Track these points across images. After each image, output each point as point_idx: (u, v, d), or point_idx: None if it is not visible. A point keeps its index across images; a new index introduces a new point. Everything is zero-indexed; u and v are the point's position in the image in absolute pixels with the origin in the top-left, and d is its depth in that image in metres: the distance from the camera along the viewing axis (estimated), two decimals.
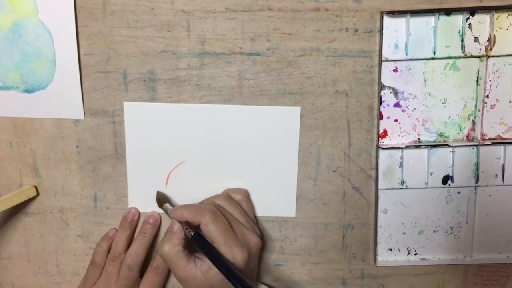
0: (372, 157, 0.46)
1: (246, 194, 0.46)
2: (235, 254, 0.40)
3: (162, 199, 0.46)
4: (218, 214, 0.41)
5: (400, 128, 0.45)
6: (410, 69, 0.44)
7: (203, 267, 0.40)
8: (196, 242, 0.40)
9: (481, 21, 0.43)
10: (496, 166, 0.46)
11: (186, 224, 0.42)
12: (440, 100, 0.45)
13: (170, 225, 0.42)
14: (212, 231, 0.40)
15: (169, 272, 0.49)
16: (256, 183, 0.47)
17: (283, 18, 0.44)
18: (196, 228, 0.42)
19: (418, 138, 0.46)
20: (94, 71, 0.45)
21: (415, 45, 0.43)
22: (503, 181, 0.46)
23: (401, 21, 0.43)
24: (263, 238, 0.48)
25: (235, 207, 0.44)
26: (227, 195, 0.45)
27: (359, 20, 0.43)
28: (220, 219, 0.41)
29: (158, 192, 0.47)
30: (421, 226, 0.47)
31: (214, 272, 0.39)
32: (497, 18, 0.43)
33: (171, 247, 0.41)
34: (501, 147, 0.45)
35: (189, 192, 0.47)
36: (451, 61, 0.44)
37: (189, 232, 0.41)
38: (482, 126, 0.45)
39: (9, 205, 0.46)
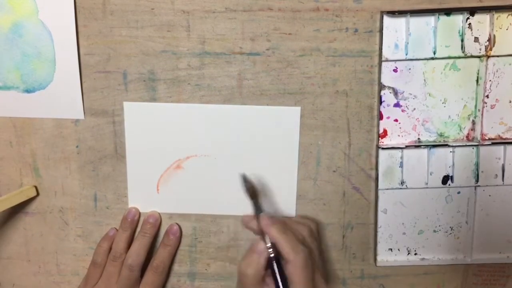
0: (372, 157, 0.46)
1: (316, 227, 0.44)
2: None
3: (253, 191, 0.43)
4: (309, 260, 0.38)
5: (400, 128, 0.45)
6: (410, 69, 0.44)
7: None
8: (272, 270, 0.39)
9: (481, 21, 0.43)
10: (496, 166, 0.46)
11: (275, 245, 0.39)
12: (440, 100, 0.45)
13: (257, 245, 0.39)
14: (297, 276, 0.37)
15: (169, 272, 0.49)
16: (256, 183, 0.47)
17: (283, 18, 0.44)
18: (276, 251, 0.39)
19: (418, 138, 0.46)
20: (94, 71, 0.45)
21: (415, 45, 0.43)
22: (503, 181, 0.46)
23: (401, 21, 0.43)
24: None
25: (315, 245, 0.41)
26: (311, 229, 0.42)
27: (359, 20, 0.43)
28: (309, 267, 0.38)
29: (245, 178, 0.43)
30: (421, 226, 0.47)
31: None
32: (497, 18, 0.43)
33: (256, 271, 0.39)
34: (501, 147, 0.45)
35: (189, 192, 0.47)
36: (451, 61, 0.44)
37: (270, 251, 0.39)
38: (482, 126, 0.45)
39: (9, 205, 0.46)
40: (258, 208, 0.42)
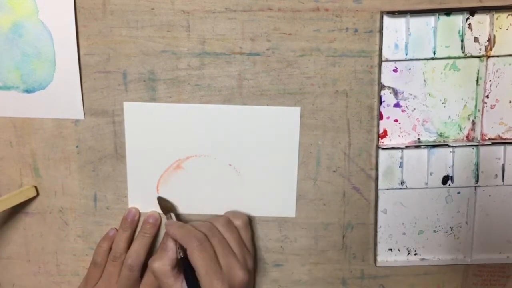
0: (372, 157, 0.46)
1: (246, 221, 0.46)
2: (214, 287, 0.40)
3: (168, 207, 0.46)
4: (206, 244, 0.41)
5: (400, 128, 0.45)
6: (410, 69, 0.44)
7: None
8: (182, 266, 0.42)
9: (481, 21, 0.43)
10: (496, 166, 0.46)
11: (179, 243, 0.42)
12: (440, 100, 0.45)
13: (164, 242, 0.43)
14: (196, 260, 0.40)
15: None
16: (256, 183, 0.47)
17: (283, 18, 0.44)
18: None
19: (418, 138, 0.46)
20: (94, 71, 0.45)
21: (415, 45, 0.43)
22: (503, 181, 0.46)
23: (401, 21, 0.43)
24: (256, 271, 0.49)
25: (232, 234, 0.44)
26: (228, 219, 0.45)
27: (359, 20, 0.43)
28: (206, 249, 0.41)
29: (161, 198, 0.47)
30: (421, 226, 0.47)
31: None
32: (497, 18, 0.43)
33: (161, 265, 0.42)
34: (501, 147, 0.45)
35: (189, 192, 0.47)
36: (451, 61, 0.44)
37: (179, 252, 0.42)
38: (482, 126, 0.45)
39: (9, 205, 0.46)
40: (168, 217, 0.46)
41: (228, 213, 0.47)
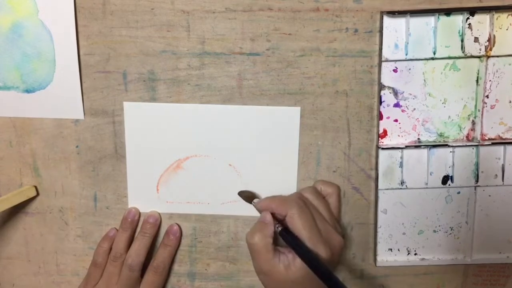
0: (372, 157, 0.46)
1: (336, 190, 0.46)
2: (318, 251, 0.39)
3: (250, 197, 0.46)
4: (305, 208, 0.41)
5: (400, 128, 0.45)
6: (410, 69, 0.44)
7: (285, 262, 0.39)
8: (284, 237, 0.40)
9: (481, 21, 0.43)
10: (496, 166, 0.46)
11: (274, 218, 0.41)
12: (440, 100, 0.45)
13: (262, 216, 0.42)
14: (298, 224, 0.39)
15: (169, 272, 0.49)
16: (256, 183, 0.47)
17: (283, 18, 0.44)
18: (283, 224, 0.41)
19: (418, 138, 0.46)
20: (94, 71, 0.45)
21: (415, 45, 0.43)
22: (503, 181, 0.46)
23: (401, 21, 0.43)
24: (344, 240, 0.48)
25: (321, 202, 0.43)
26: (315, 189, 0.45)
27: (359, 20, 0.43)
28: (306, 213, 0.40)
29: (241, 192, 0.47)
30: (421, 226, 0.47)
31: (295, 268, 0.39)
32: (497, 18, 0.43)
33: (262, 237, 0.40)
34: (501, 147, 0.45)
35: (189, 192, 0.47)
36: (451, 61, 0.44)
37: (277, 227, 0.41)
38: (482, 126, 0.45)
39: (9, 205, 0.46)
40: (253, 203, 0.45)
41: (318, 182, 0.46)
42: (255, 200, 0.44)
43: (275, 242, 0.41)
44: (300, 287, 0.39)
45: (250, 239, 0.40)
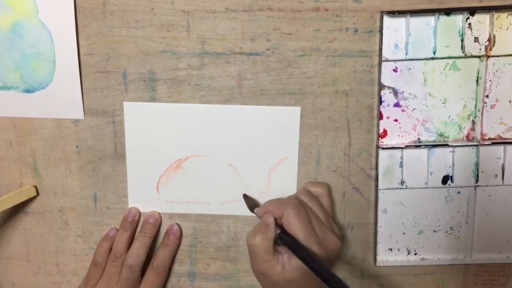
0: (372, 157, 0.46)
1: (327, 189, 0.46)
2: (313, 252, 0.39)
3: (253, 205, 0.46)
4: (301, 208, 0.41)
5: (400, 128, 0.45)
6: (410, 69, 0.44)
7: (282, 262, 0.40)
8: (282, 239, 0.41)
9: (481, 21, 0.43)
10: (496, 166, 0.46)
11: (275, 223, 0.42)
12: (440, 100, 0.45)
13: (264, 218, 0.42)
14: (294, 225, 0.40)
15: (169, 272, 0.49)
16: (256, 183, 0.47)
17: (283, 18, 0.44)
18: (281, 227, 0.42)
19: (418, 138, 0.46)
20: (94, 71, 0.45)
21: (415, 45, 0.43)
22: (503, 181, 0.46)
23: (401, 21, 0.43)
24: (342, 240, 0.48)
25: (316, 203, 0.44)
26: (308, 191, 0.45)
27: (359, 20, 0.43)
28: (302, 213, 0.41)
29: (246, 196, 0.47)
30: (421, 226, 0.47)
31: (291, 269, 0.39)
32: (497, 18, 0.43)
33: (263, 239, 0.40)
34: (501, 147, 0.45)
35: (189, 192, 0.47)
36: (451, 61, 0.44)
37: (276, 230, 0.41)
38: (482, 126, 0.45)
39: (9, 205, 0.46)
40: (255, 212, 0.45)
41: (307, 184, 0.46)
42: (256, 209, 0.44)
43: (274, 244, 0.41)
44: (296, 287, 0.40)
45: (251, 240, 0.41)
